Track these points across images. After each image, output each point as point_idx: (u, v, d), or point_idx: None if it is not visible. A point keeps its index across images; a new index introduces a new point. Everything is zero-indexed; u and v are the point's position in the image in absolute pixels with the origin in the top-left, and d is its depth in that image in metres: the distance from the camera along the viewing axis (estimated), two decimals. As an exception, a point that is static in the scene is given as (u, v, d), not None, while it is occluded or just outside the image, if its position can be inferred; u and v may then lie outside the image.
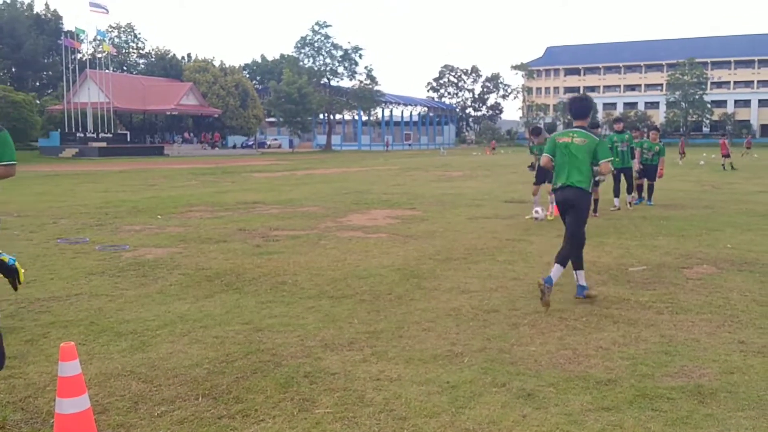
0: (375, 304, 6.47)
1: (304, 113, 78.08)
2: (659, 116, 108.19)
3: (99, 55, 70.46)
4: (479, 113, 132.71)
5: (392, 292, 6.95)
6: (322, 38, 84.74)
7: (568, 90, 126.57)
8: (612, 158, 6.58)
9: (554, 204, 13.48)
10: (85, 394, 3.43)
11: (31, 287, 7.13)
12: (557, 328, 5.66)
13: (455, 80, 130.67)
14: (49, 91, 74.43)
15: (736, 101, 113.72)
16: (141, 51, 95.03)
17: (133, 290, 7.11)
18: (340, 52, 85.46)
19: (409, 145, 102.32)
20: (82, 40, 64.04)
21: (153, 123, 74.34)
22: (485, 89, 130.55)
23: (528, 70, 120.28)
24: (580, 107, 6.85)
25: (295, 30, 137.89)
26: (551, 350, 5.10)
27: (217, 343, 5.28)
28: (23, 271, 3.77)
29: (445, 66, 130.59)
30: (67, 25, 75.82)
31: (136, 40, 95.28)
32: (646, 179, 16.08)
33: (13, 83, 66.04)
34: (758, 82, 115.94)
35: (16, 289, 3.84)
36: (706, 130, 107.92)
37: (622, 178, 14.94)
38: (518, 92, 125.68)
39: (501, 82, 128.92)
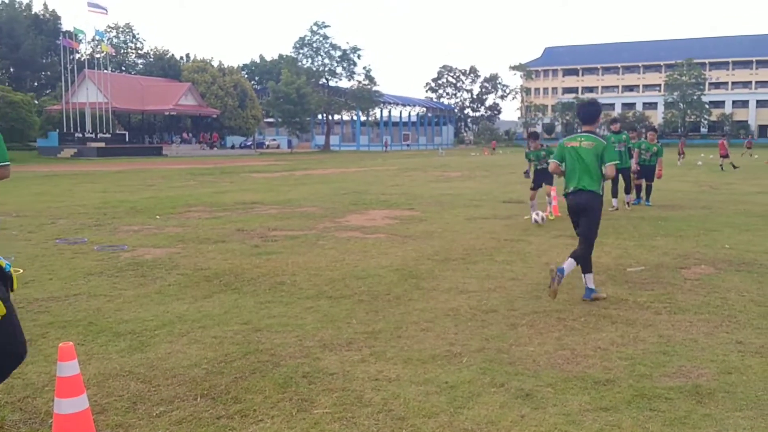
0: (373, 305, 6.48)
1: (303, 113, 78.04)
2: (657, 117, 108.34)
3: (97, 56, 70.39)
4: (478, 114, 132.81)
5: (391, 293, 6.95)
6: (321, 38, 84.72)
7: (566, 90, 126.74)
8: (617, 161, 6.66)
9: (553, 204, 13.55)
10: (83, 394, 3.43)
11: (29, 287, 7.13)
12: (555, 329, 5.67)
13: (454, 81, 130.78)
14: (48, 92, 74.38)
15: (734, 102, 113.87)
16: (139, 51, 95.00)
17: (131, 290, 7.11)
18: (339, 53, 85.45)
19: (408, 145, 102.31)
20: (80, 40, 64.02)
21: (151, 123, 74.26)
22: (484, 90, 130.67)
23: (526, 70, 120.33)
24: (587, 112, 6.96)
25: (294, 30, 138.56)
26: (549, 350, 5.10)
27: (216, 344, 5.28)
28: (20, 271, 3.76)
29: (444, 66, 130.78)
30: (66, 25, 75.87)
31: (134, 40, 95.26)
32: (644, 180, 16.12)
33: (12, 83, 65.98)
34: (756, 82, 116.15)
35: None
36: (704, 130, 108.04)
37: (620, 178, 14.97)
38: (516, 93, 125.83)
39: (499, 83, 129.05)
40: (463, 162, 46.82)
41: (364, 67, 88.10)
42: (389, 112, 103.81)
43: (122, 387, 4.39)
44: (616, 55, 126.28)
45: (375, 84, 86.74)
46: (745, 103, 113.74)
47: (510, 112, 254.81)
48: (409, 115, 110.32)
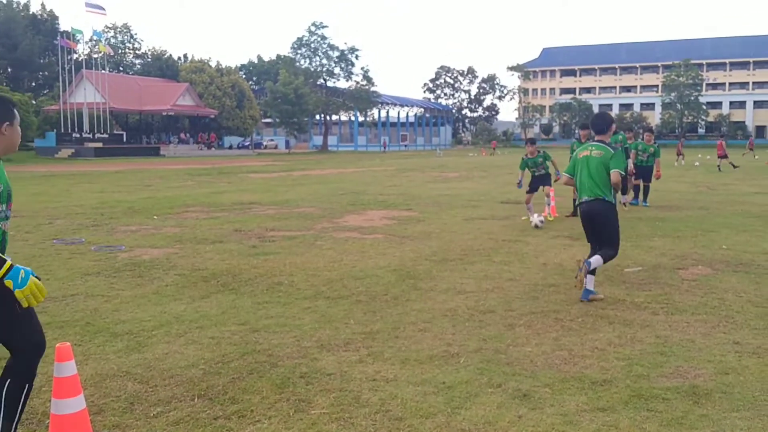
0: (371, 305, 6.48)
1: (301, 114, 78.04)
2: (655, 117, 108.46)
3: (95, 56, 70.31)
4: (475, 114, 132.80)
5: (388, 293, 6.95)
6: (319, 39, 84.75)
7: (564, 91, 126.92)
8: (622, 169, 6.77)
9: (551, 205, 13.55)
10: (80, 394, 3.43)
11: (26, 288, 7.11)
12: (553, 329, 5.68)
13: (451, 81, 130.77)
14: (45, 92, 74.26)
15: (731, 103, 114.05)
16: (137, 51, 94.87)
17: (129, 291, 7.10)
18: (337, 53, 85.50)
19: (406, 146, 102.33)
20: (78, 40, 63.93)
21: (149, 123, 74.18)
22: (481, 90, 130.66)
23: (524, 71, 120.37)
24: (598, 123, 7.24)
25: (292, 31, 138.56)
26: (547, 351, 5.11)
27: (213, 344, 5.28)
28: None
29: (442, 67, 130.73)
30: (64, 25, 75.76)
31: (132, 40, 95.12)
32: (641, 180, 16.15)
33: (9, 84, 65.86)
34: (753, 83, 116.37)
35: None
36: (701, 131, 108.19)
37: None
38: (514, 93, 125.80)
39: (497, 83, 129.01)
40: (461, 162, 46.83)
41: (362, 68, 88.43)
42: (387, 112, 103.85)
43: (119, 387, 4.39)
44: (613, 56, 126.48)
45: (373, 84, 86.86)
46: (742, 104, 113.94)
47: (508, 112, 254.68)
48: (407, 116, 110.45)
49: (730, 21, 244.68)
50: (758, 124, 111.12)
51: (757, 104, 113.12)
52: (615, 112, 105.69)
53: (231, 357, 4.97)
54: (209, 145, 70.75)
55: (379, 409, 4.04)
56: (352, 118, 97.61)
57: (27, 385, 3.28)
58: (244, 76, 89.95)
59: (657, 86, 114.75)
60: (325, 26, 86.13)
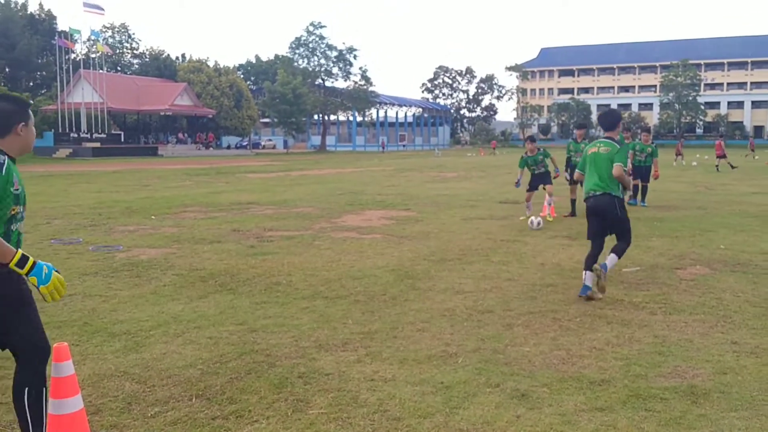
0: (369, 305, 6.47)
1: (299, 114, 77.98)
2: (653, 118, 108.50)
3: (93, 56, 70.24)
4: (474, 114, 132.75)
5: (387, 293, 6.95)
6: (317, 39, 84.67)
7: (562, 91, 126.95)
8: (623, 164, 6.84)
9: (551, 205, 13.55)
10: (78, 394, 3.42)
11: (24, 288, 7.10)
12: (551, 329, 5.68)
13: (450, 81, 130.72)
14: (43, 92, 74.14)
15: (729, 103, 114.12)
16: (135, 51, 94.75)
17: (126, 291, 7.10)
18: (335, 53, 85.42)
19: (404, 146, 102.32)
20: (76, 40, 63.82)
21: (147, 123, 74.10)
22: (480, 90, 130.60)
23: (522, 71, 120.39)
24: (607, 120, 7.33)
25: (290, 30, 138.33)
26: (545, 351, 5.11)
27: (211, 344, 5.27)
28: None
29: (440, 67, 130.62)
30: (61, 25, 75.74)
31: (130, 40, 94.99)
32: (639, 180, 16.17)
33: (7, 83, 65.78)
34: (751, 83, 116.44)
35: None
36: (699, 131, 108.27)
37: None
38: (512, 93, 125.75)
39: (495, 83, 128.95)
40: (460, 162, 46.84)
41: (360, 68, 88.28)
42: (385, 112, 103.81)
43: (117, 387, 4.38)
44: (611, 56, 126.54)
45: (371, 84, 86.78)
46: (740, 104, 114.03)
47: (506, 112, 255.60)
48: (405, 116, 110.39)
49: (728, 21, 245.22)
50: (756, 124, 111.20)
51: (755, 104, 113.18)
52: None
53: (229, 357, 4.96)
54: (207, 145, 70.67)
55: (377, 409, 4.03)
56: (350, 118, 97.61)
57: (43, 390, 3.28)
58: (242, 76, 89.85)
59: (655, 86, 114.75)
60: (323, 26, 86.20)
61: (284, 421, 3.87)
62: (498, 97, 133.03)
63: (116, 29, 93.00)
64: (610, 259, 6.86)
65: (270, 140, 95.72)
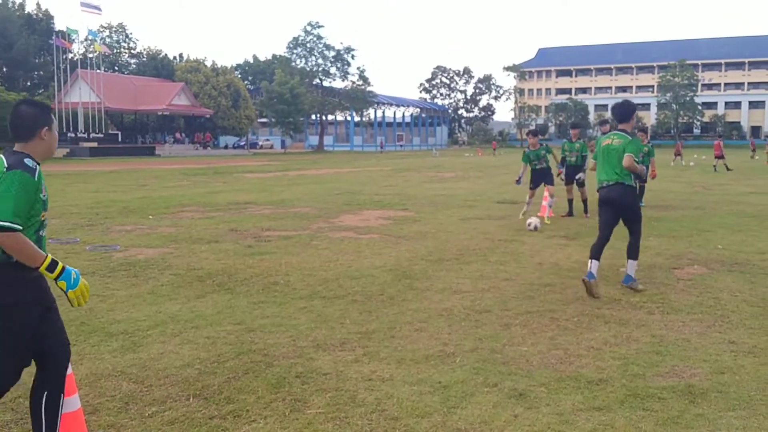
0: (367, 305, 6.47)
1: (296, 114, 77.93)
2: (650, 118, 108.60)
3: (90, 55, 70.14)
4: (471, 114, 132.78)
5: (384, 293, 6.95)
6: (315, 39, 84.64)
7: (559, 91, 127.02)
8: (634, 155, 6.89)
9: (551, 206, 13.54)
10: (75, 394, 3.42)
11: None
12: (549, 329, 5.68)
13: (447, 81, 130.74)
14: (40, 91, 73.94)
15: (726, 103, 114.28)
16: (132, 51, 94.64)
17: (124, 290, 7.08)
18: (333, 53, 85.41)
19: (401, 146, 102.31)
20: (73, 39, 63.74)
21: (144, 123, 74.04)
22: (477, 90, 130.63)
23: (520, 71, 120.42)
24: (621, 112, 7.33)
25: (288, 30, 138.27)
26: (543, 350, 5.11)
27: (209, 344, 5.27)
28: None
29: (438, 67, 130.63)
30: (59, 24, 75.53)
31: (127, 39, 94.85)
32: (637, 180, 16.15)
33: (4, 83, 65.58)
34: (749, 84, 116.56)
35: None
36: (696, 131, 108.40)
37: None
38: (510, 93, 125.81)
39: (493, 84, 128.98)
40: (457, 163, 46.86)
41: (358, 68, 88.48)
42: (383, 112, 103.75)
43: (114, 387, 4.38)
44: (609, 56, 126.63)
45: (369, 84, 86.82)
46: (737, 104, 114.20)
47: (504, 112, 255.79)
48: (403, 116, 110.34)
49: (726, 21, 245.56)
50: (753, 124, 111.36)
51: (752, 104, 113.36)
52: (610, 113, 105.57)
53: (226, 357, 4.96)
54: (204, 144, 70.60)
55: (375, 408, 4.03)
56: (348, 118, 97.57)
57: (61, 395, 3.28)
58: (239, 76, 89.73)
59: (653, 87, 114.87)
60: (321, 26, 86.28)
61: (282, 421, 3.87)
62: (496, 98, 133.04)
63: (114, 29, 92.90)
64: (629, 266, 7.08)
65: (267, 140, 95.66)
